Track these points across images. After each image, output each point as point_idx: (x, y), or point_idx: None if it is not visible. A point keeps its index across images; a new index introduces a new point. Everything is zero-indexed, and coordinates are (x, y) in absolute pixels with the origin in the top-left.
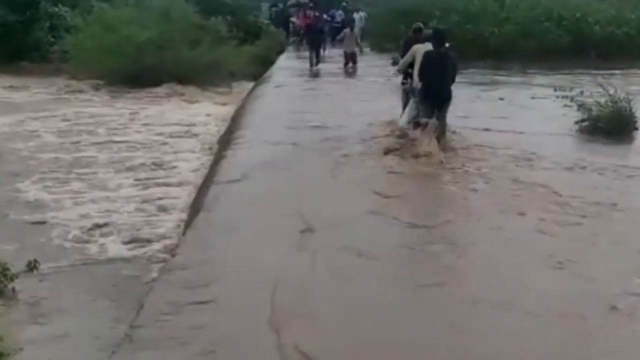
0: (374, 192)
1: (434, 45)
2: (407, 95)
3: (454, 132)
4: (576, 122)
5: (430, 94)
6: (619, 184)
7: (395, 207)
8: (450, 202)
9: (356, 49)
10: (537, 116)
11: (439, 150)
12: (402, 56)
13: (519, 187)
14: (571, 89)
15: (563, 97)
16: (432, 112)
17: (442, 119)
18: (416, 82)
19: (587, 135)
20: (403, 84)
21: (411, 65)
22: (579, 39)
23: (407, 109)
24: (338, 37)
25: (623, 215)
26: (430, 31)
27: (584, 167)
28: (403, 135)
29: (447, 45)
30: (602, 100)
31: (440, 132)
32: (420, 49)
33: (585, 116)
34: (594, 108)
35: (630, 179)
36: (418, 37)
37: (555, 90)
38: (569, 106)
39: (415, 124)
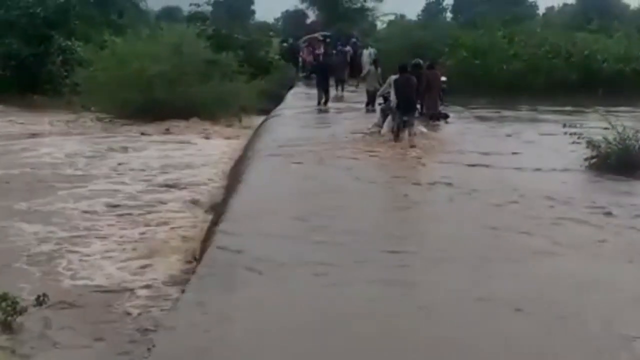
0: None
1: (400, 74)
2: (384, 112)
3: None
4: (585, 159)
5: (401, 107)
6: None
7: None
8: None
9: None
10: (546, 152)
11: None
12: None
13: None
14: (580, 126)
15: (572, 134)
16: (404, 117)
17: (410, 123)
18: (393, 102)
19: (595, 172)
20: (380, 104)
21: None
22: (587, 75)
23: (387, 121)
24: (361, 75)
25: None
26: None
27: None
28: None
29: (444, 78)
30: (611, 138)
31: (409, 133)
32: (392, 77)
33: (594, 153)
34: (602, 145)
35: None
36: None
37: (564, 126)
38: (578, 143)
39: (394, 131)
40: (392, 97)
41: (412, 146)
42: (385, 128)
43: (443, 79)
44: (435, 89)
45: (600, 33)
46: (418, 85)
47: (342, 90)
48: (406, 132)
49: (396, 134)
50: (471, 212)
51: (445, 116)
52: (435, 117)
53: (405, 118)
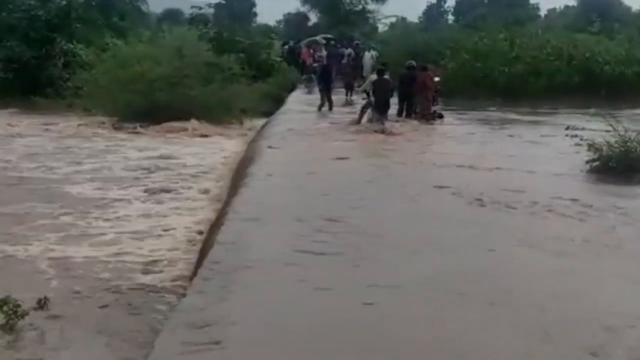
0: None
1: (377, 76)
2: (364, 107)
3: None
4: (587, 162)
5: (378, 104)
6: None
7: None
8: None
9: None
10: (547, 155)
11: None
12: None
13: None
14: (582, 128)
15: (573, 136)
16: (380, 114)
17: (384, 116)
18: (372, 99)
19: (597, 175)
20: (364, 99)
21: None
22: (589, 78)
23: (366, 114)
24: (364, 76)
25: None
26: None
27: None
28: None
29: (437, 78)
30: (612, 140)
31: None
32: (373, 77)
33: (595, 156)
34: (604, 148)
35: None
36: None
37: (567, 129)
38: (580, 145)
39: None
40: (371, 95)
41: (392, 133)
42: (365, 119)
43: (437, 79)
44: (428, 90)
45: (601, 35)
46: (411, 85)
47: (352, 94)
48: (382, 125)
49: (377, 125)
50: (458, 209)
51: (440, 116)
52: (428, 116)
53: (380, 114)
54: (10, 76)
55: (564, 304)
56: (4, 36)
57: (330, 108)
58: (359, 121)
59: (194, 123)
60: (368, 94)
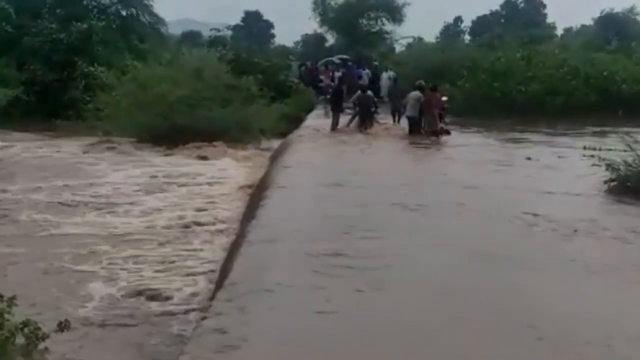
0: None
1: (361, 92)
2: (353, 115)
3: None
4: (605, 182)
5: (362, 112)
6: None
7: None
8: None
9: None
10: (564, 175)
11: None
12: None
13: None
14: (599, 148)
15: (591, 156)
16: (362, 120)
17: (368, 119)
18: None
19: (615, 195)
20: (353, 108)
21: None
22: (606, 97)
23: (355, 120)
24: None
25: None
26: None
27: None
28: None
29: (445, 98)
30: (630, 160)
31: (368, 125)
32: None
33: (613, 176)
34: (622, 168)
35: None
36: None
37: (585, 148)
38: (598, 165)
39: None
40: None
41: (368, 131)
42: (353, 124)
43: (444, 99)
44: (434, 107)
45: (618, 54)
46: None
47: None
48: (365, 129)
49: (361, 129)
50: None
51: (447, 132)
52: (435, 133)
53: (363, 120)
54: (32, 99)
55: None
56: (27, 60)
57: (334, 128)
58: (348, 125)
59: (216, 144)
60: (354, 106)
